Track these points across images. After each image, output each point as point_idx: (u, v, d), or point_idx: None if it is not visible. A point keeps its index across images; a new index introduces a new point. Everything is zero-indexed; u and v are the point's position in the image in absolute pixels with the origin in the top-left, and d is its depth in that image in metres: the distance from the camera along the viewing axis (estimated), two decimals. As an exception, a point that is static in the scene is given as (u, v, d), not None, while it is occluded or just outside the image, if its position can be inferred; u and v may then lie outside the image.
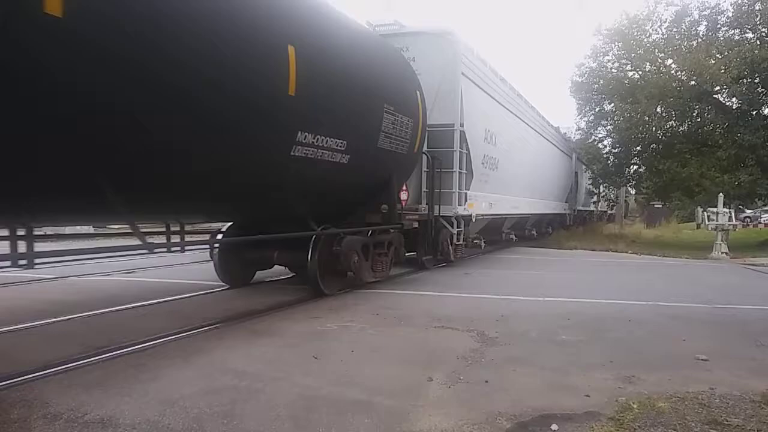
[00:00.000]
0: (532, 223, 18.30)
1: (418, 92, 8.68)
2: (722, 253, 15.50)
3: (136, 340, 4.96)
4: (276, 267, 8.46)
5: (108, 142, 4.23)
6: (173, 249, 6.21)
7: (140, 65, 4.11)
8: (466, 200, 10.74)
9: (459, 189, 10.41)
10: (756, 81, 18.29)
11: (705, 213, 16.29)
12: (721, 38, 19.47)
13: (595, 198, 30.79)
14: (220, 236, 7.99)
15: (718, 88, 19.01)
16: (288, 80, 5.58)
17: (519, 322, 6.13)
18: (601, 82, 21.96)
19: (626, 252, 16.46)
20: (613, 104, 22.10)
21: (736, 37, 19.32)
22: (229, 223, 8.06)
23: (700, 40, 19.69)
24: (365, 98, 7.12)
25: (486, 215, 12.27)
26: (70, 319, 5.84)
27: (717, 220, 15.85)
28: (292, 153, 5.98)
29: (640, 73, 21.24)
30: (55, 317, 5.81)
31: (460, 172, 10.38)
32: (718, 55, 18.49)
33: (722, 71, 17.71)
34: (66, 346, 4.74)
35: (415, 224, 9.52)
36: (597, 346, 5.17)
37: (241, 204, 6.49)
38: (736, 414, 3.48)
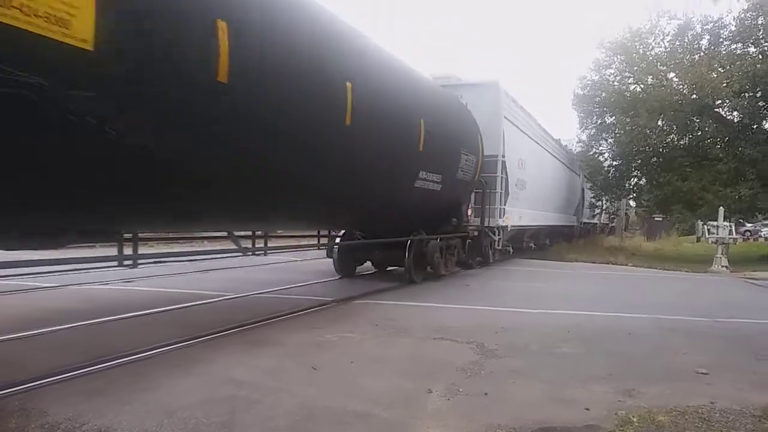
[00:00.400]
0: (546, 233, 20.74)
1: (479, 135, 11.45)
2: (722, 266, 15.48)
3: (136, 349, 4.95)
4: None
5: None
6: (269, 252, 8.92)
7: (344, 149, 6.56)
8: (504, 214, 13.42)
9: (500, 205, 13.14)
10: (758, 95, 18.36)
11: (705, 226, 16.29)
12: (724, 52, 19.56)
13: (597, 210, 30.89)
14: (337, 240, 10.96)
15: (719, 101, 19.09)
16: (419, 141, 8.39)
17: (519, 334, 6.12)
18: (603, 95, 22.06)
19: (626, 265, 16.43)
20: (614, 117, 22.18)
21: (739, 51, 19.40)
22: (342, 232, 11.02)
23: (702, 53, 19.79)
24: (453, 147, 10.06)
25: (516, 226, 14.90)
26: (70, 327, 5.83)
27: (717, 234, 15.84)
28: (414, 185, 8.82)
29: (642, 86, 21.34)
30: (56, 325, 5.81)
31: (500, 192, 13.08)
32: (720, 69, 18.59)
33: (724, 85, 17.80)
34: (66, 355, 4.73)
35: (476, 233, 12.61)
36: (597, 359, 5.16)
37: (369, 218, 9.24)
38: (737, 428, 3.48)
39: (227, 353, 4.99)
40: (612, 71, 22.20)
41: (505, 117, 13.16)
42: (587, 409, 3.77)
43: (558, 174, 21.17)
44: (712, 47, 19.95)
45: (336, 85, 6.07)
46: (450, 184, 9.99)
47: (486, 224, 12.75)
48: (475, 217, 12.60)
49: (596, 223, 33.37)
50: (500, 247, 14.02)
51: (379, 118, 7.17)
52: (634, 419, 3.57)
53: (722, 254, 15.70)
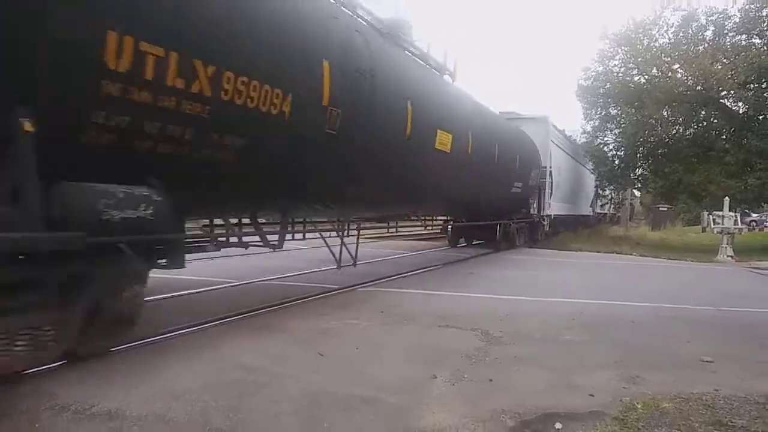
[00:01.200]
0: (570, 221, 24.49)
1: (539, 154, 16.76)
2: (728, 256, 15.47)
3: (144, 333, 4.98)
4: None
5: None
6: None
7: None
8: (550, 207, 18.45)
9: (548, 200, 18.17)
10: (763, 86, 18.23)
11: (710, 216, 16.25)
12: (728, 43, 19.41)
13: (605, 201, 31.08)
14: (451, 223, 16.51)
15: (724, 93, 18.97)
16: (516, 164, 13.91)
17: (523, 321, 6.14)
18: (608, 86, 21.94)
19: (631, 254, 16.42)
20: (619, 108, 22.07)
21: (743, 43, 19.26)
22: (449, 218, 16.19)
23: (707, 45, 19.65)
24: (529, 165, 15.27)
25: (553, 215, 19.54)
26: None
27: (722, 224, 15.81)
28: (511, 191, 14.36)
29: (646, 77, 21.21)
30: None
31: (548, 192, 18.04)
32: (724, 60, 18.45)
33: (729, 76, 17.66)
34: (73, 340, 4.76)
35: (537, 219, 17.82)
36: (601, 347, 5.18)
37: (478, 210, 13.98)
38: (741, 415, 3.49)
39: (234, 339, 5.02)
40: (616, 62, 22.07)
41: (551, 140, 18.34)
42: (592, 395, 3.79)
43: (579, 173, 25.29)
44: (717, 38, 19.80)
45: (464, 133, 10.12)
46: (526, 188, 15.57)
47: (541, 213, 17.93)
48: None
49: (605, 213, 34.48)
50: (548, 230, 19.10)
51: (498, 154, 12.32)
52: (639, 406, 3.59)
53: (727, 244, 15.69)
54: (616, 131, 22.81)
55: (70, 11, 3.43)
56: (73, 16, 3.43)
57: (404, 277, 9.71)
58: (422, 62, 9.74)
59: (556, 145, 19.41)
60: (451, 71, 10.90)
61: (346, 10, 7.09)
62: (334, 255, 8.17)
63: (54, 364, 4.01)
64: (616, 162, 22.80)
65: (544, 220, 18.33)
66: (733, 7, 19.70)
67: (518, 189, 14.78)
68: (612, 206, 34.48)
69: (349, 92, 6.21)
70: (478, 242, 16.61)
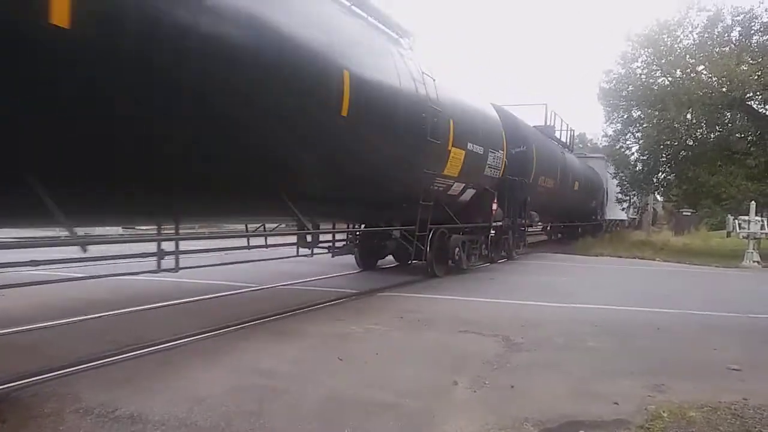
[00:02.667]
0: (614, 224, 31.38)
1: (604, 181, 26.72)
2: (754, 261, 15.15)
3: (165, 338, 5.03)
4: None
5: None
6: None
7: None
8: (606, 214, 27.99)
9: (605, 209, 27.59)
10: (790, 87, 17.87)
11: (736, 221, 15.94)
12: (755, 44, 19.07)
13: (624, 205, 30.85)
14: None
15: (750, 94, 18.63)
16: (598, 192, 26.24)
17: (545, 327, 6.07)
18: (630, 88, 21.66)
19: (654, 259, 16.17)
20: (641, 111, 21.79)
21: (770, 43, 18.90)
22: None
23: (732, 45, 19.32)
24: (597, 189, 25.51)
25: (611, 219, 29.63)
26: (101, 317, 5.95)
27: (748, 228, 15.50)
28: (591, 205, 25.33)
29: (670, 79, 20.92)
30: (87, 315, 5.93)
31: (605, 203, 27.38)
32: (751, 61, 18.13)
33: (755, 77, 17.34)
34: (97, 343, 4.83)
35: (601, 222, 27.05)
36: (625, 354, 5.10)
37: (570, 217, 23.08)
38: (771, 425, 3.40)
39: (254, 343, 5.04)
40: (639, 64, 21.77)
41: (607, 170, 27.01)
42: (616, 403, 3.72)
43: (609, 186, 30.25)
44: (743, 39, 19.45)
45: (573, 179, 20.17)
46: (597, 202, 25.38)
47: (603, 218, 27.29)
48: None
49: (635, 218, 36.60)
50: (607, 231, 27.62)
51: (581, 185, 21.47)
52: (665, 414, 3.51)
53: (754, 249, 15.36)
54: (638, 135, 22.51)
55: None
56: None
57: (423, 282, 9.65)
58: (557, 143, 18.72)
59: (609, 173, 27.34)
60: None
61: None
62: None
63: (75, 368, 4.07)
64: (639, 166, 22.51)
65: (604, 223, 27.90)
66: (759, 6, 19.42)
67: (594, 202, 25.24)
68: (632, 211, 34.13)
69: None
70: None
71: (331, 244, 9.19)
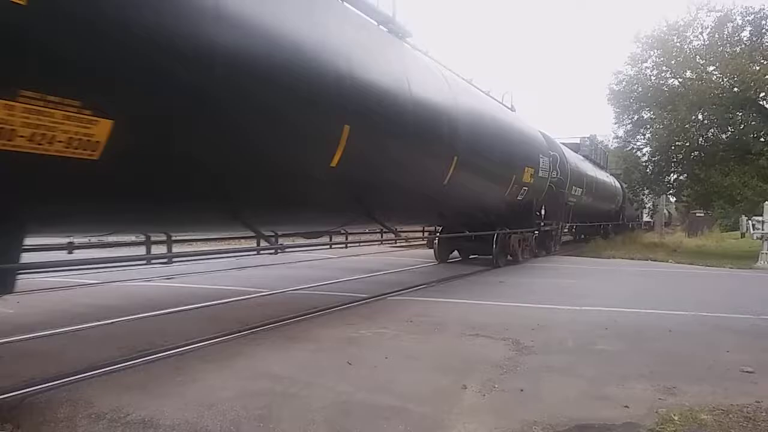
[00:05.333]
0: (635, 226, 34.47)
1: (621, 190, 27.23)
2: (769, 263, 14.99)
3: (175, 343, 5.07)
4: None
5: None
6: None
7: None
8: (627, 217, 29.97)
9: (626, 213, 29.36)
10: (803, 86, 17.71)
11: (750, 222, 15.78)
12: (766, 43, 18.92)
13: (636, 205, 31.05)
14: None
15: (762, 94, 18.47)
16: (614, 200, 27.51)
17: (555, 330, 6.04)
18: (640, 89, 21.58)
19: (667, 261, 16.03)
20: (651, 112, 21.68)
21: (782, 42, 18.77)
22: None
23: (743, 45, 19.18)
24: (620, 197, 27.10)
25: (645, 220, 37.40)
26: (113, 322, 6.01)
27: (763, 229, 15.34)
28: (611, 207, 26.56)
29: (680, 80, 20.81)
30: (99, 321, 5.99)
31: (626, 209, 29.36)
32: (762, 61, 17.98)
33: (767, 77, 17.20)
34: (109, 349, 4.87)
35: (624, 222, 29.76)
36: (636, 357, 5.06)
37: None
38: (784, 428, 3.36)
39: (264, 348, 5.07)
40: (648, 65, 21.71)
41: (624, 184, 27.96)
42: (626, 406, 3.70)
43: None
44: (754, 38, 19.34)
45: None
46: (619, 207, 27.15)
47: (624, 220, 28.87)
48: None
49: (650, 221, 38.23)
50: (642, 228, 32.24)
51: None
52: (676, 417, 3.49)
53: (768, 250, 15.20)
54: (649, 136, 22.39)
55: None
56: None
57: (433, 286, 9.66)
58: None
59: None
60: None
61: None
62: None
63: (87, 374, 4.11)
64: (649, 167, 22.38)
65: (626, 222, 30.01)
66: (770, 5, 19.23)
67: (615, 206, 26.41)
68: (645, 212, 34.22)
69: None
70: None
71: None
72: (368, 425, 3.35)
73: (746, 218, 16.11)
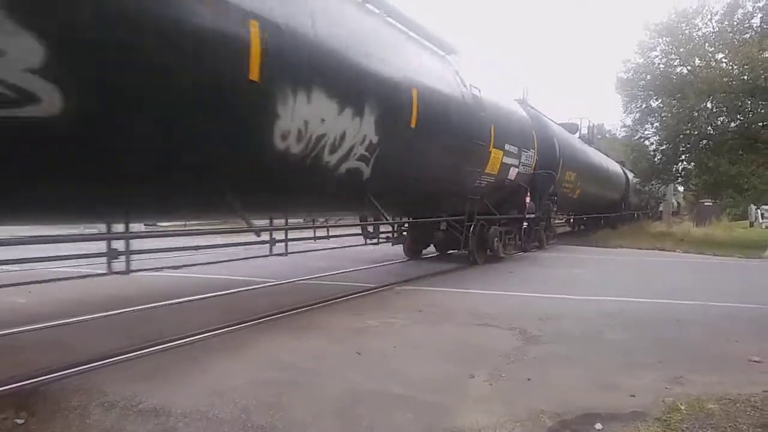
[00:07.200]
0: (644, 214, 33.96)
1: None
2: (778, 252, 14.93)
3: (186, 333, 5.12)
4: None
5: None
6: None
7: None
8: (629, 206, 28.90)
9: (629, 202, 28.32)
10: (814, 73, 17.46)
11: (759, 210, 15.70)
12: (777, 30, 18.69)
13: (644, 195, 30.99)
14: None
15: (773, 81, 18.24)
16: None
17: (562, 320, 6.06)
18: (648, 77, 21.38)
19: (674, 251, 15.98)
20: (660, 100, 21.50)
21: (793, 29, 18.51)
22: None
23: (753, 32, 18.95)
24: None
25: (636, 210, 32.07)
26: (123, 312, 6.07)
27: (771, 219, 15.26)
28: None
29: (689, 68, 20.60)
30: (110, 310, 6.05)
31: (630, 199, 28.74)
32: (773, 48, 17.77)
33: (779, 65, 17.01)
34: (121, 339, 4.93)
35: (626, 213, 27.90)
36: (643, 346, 5.07)
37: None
38: (791, 418, 3.37)
39: (273, 337, 5.12)
40: (657, 53, 21.47)
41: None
42: (633, 395, 3.72)
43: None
44: (764, 25, 19.06)
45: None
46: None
47: (628, 209, 28.13)
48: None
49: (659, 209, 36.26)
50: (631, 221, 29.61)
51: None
52: (682, 407, 3.50)
53: (777, 240, 15.13)
54: (657, 124, 22.21)
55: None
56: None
57: (445, 274, 9.68)
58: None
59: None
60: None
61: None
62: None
63: (99, 363, 4.17)
64: (657, 157, 22.22)
65: (628, 211, 28.49)
66: (781, -9, 18.95)
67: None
68: (653, 202, 34.03)
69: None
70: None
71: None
72: (377, 413, 3.39)
73: (755, 207, 16.02)
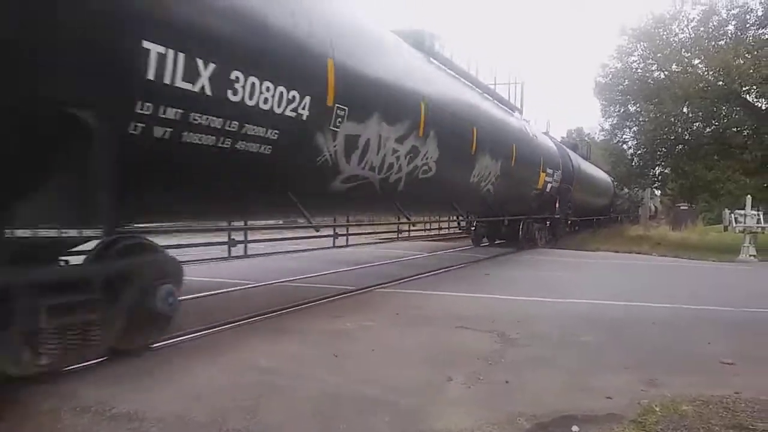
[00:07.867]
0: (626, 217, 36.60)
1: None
2: (750, 255, 15.19)
3: (163, 336, 5.04)
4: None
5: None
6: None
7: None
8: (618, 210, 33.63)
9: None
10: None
11: (732, 215, 15.98)
12: (750, 38, 19.08)
13: (622, 200, 31.51)
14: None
15: (746, 88, 18.64)
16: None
17: (540, 323, 6.10)
18: (626, 82, 21.70)
19: (651, 254, 16.20)
20: (638, 105, 21.82)
21: (766, 37, 18.90)
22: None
23: (728, 39, 19.34)
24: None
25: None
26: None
27: (745, 223, 15.55)
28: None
29: (666, 73, 20.94)
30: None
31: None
32: (747, 55, 18.12)
33: (751, 71, 17.36)
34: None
35: (614, 216, 33.12)
36: (619, 349, 5.13)
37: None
38: (763, 419, 3.43)
39: (252, 340, 5.07)
40: (635, 59, 21.80)
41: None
42: (609, 397, 3.76)
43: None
44: (739, 33, 19.46)
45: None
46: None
47: (615, 213, 31.06)
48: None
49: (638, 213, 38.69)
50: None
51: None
52: (657, 408, 3.54)
53: (750, 243, 15.41)
54: (635, 129, 22.54)
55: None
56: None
57: (436, 274, 9.70)
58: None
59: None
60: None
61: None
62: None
63: (78, 365, 4.09)
64: (635, 161, 22.54)
65: (614, 214, 32.19)
66: (754, 0, 19.37)
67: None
68: (629, 205, 34.69)
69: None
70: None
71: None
72: (355, 417, 3.37)
73: (729, 212, 16.30)
